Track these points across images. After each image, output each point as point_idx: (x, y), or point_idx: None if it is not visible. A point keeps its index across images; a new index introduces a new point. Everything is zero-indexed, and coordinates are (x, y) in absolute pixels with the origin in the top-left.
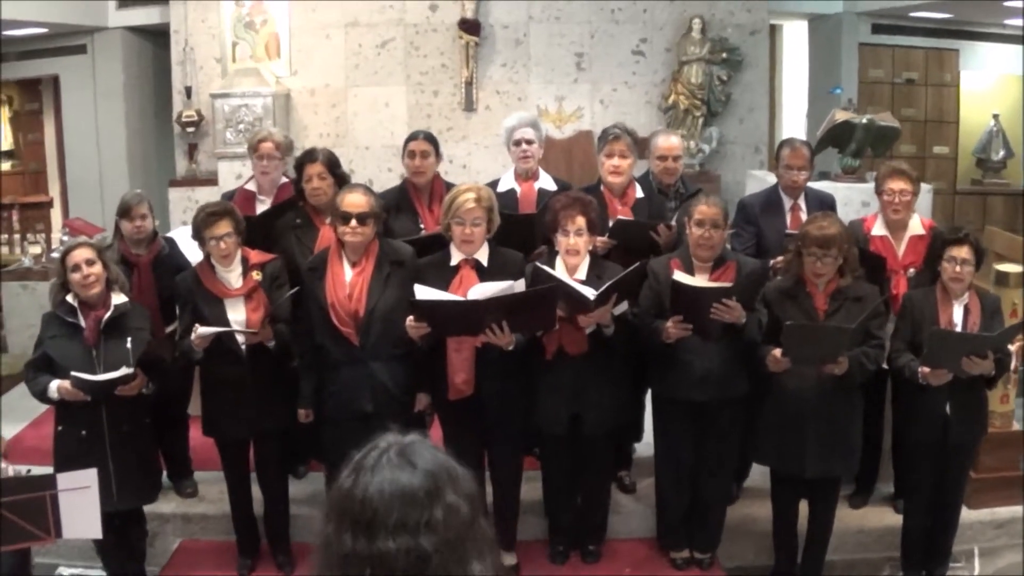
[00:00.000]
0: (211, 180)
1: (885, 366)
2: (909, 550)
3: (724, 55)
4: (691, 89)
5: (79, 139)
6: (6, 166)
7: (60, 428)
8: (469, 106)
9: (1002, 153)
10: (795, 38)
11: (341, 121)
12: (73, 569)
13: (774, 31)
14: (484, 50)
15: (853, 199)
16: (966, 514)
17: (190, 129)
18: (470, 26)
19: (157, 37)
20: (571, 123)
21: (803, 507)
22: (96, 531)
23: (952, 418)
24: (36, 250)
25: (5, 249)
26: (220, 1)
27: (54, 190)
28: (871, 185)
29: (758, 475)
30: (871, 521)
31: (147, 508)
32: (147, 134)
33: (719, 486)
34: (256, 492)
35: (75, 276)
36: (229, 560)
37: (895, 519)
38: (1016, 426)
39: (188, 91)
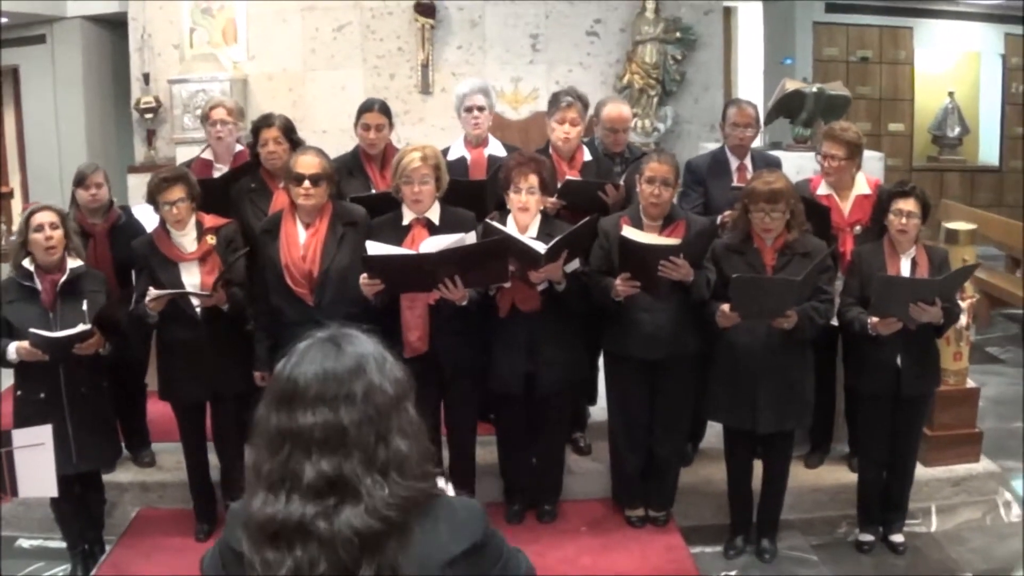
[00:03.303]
0: (170, 166)
1: (835, 323)
2: (865, 506)
3: (678, 35)
4: (646, 69)
5: (39, 129)
6: None
7: (19, 393)
8: (425, 89)
9: (957, 130)
10: (749, 18)
11: (299, 105)
12: (33, 540)
13: (728, 12)
14: (440, 32)
15: (805, 168)
16: (923, 472)
17: (148, 116)
18: (425, 9)
19: (115, 26)
20: (527, 104)
21: (758, 467)
22: (52, 489)
23: (904, 370)
24: None
25: None
26: None
27: (15, 181)
28: None
29: (713, 437)
30: (826, 480)
31: (105, 477)
32: (106, 122)
33: (673, 444)
34: (213, 459)
35: (37, 236)
36: (187, 527)
37: (850, 477)
38: (970, 383)
39: (146, 78)
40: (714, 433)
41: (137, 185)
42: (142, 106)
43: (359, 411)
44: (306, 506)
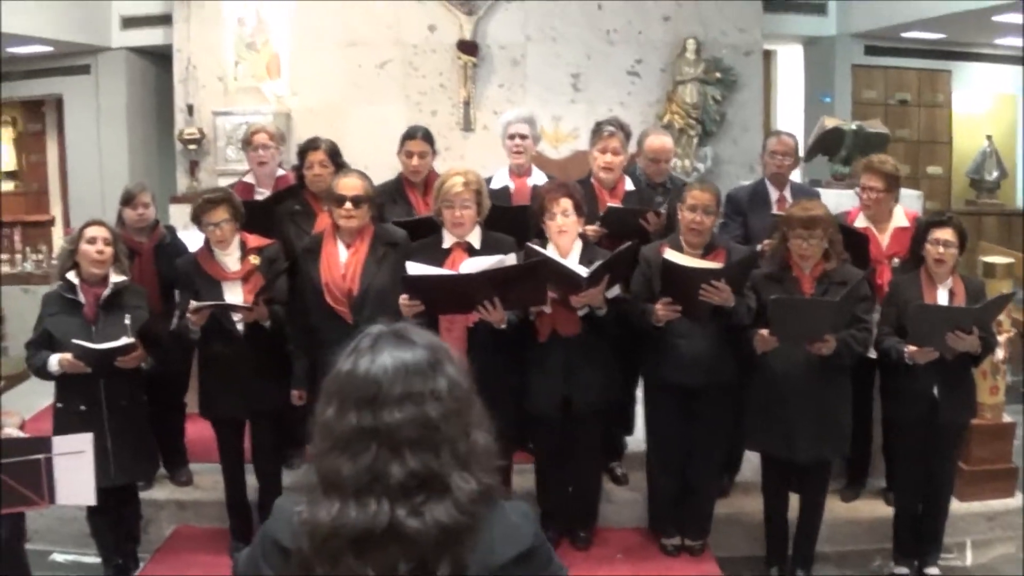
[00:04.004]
0: (214, 187)
1: (872, 355)
2: (900, 538)
3: (718, 75)
4: (686, 109)
5: (82, 158)
6: (8, 186)
7: (59, 405)
8: (467, 126)
9: (996, 174)
10: (789, 61)
11: (341, 140)
12: (67, 555)
13: (768, 55)
14: (482, 70)
15: (844, 204)
16: (958, 506)
17: (192, 147)
18: (468, 47)
19: (159, 58)
20: (567, 143)
21: (794, 499)
22: (90, 498)
23: (940, 399)
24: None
25: (7, 267)
26: (223, 21)
27: (56, 210)
28: None
29: (749, 470)
30: (862, 513)
31: (142, 494)
32: (149, 153)
33: (709, 472)
34: (251, 480)
35: (89, 248)
36: (222, 545)
37: (886, 511)
38: (1007, 418)
39: (190, 109)
40: (750, 466)
41: (180, 215)
42: (185, 137)
43: (444, 405)
44: (395, 507)
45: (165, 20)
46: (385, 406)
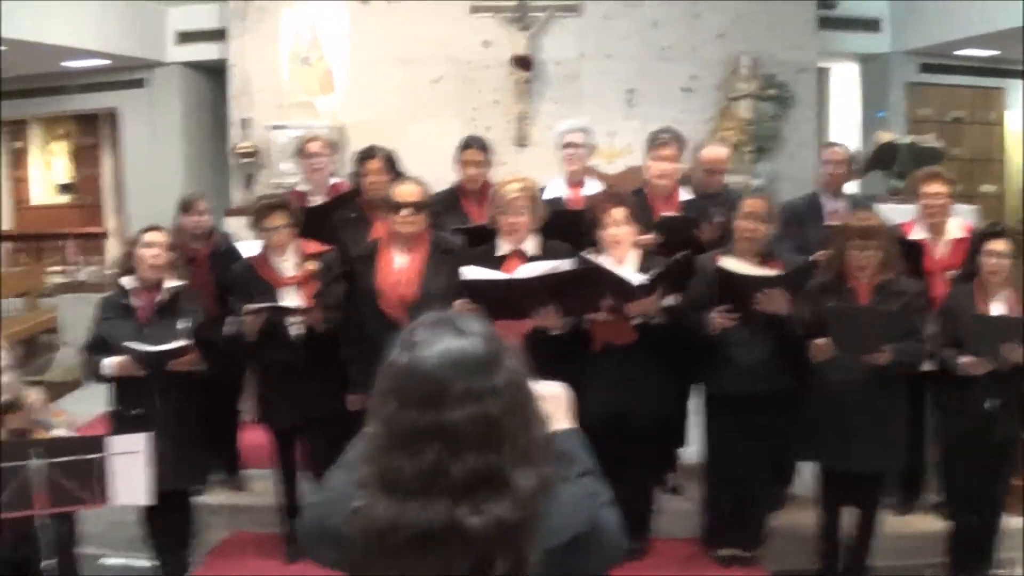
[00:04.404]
0: (271, 193)
1: (927, 368)
2: (955, 554)
3: (773, 91)
4: (740, 125)
5: (137, 172)
6: (63, 199)
7: (113, 409)
8: (521, 141)
9: None
10: (844, 79)
11: None
12: (118, 559)
13: (823, 73)
14: (536, 86)
15: (900, 220)
16: (1009, 521)
17: (246, 160)
18: (523, 62)
19: (213, 73)
20: (621, 158)
21: (848, 514)
22: (144, 498)
23: (995, 413)
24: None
25: (60, 278)
26: (278, 37)
27: (110, 223)
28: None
29: (802, 484)
30: (915, 528)
31: (195, 500)
32: (204, 166)
33: (765, 483)
34: (305, 485)
35: (146, 252)
36: (275, 550)
37: (938, 526)
38: None
39: (245, 123)
40: (804, 480)
41: (235, 228)
42: (240, 151)
43: (504, 401)
44: (456, 506)
45: (219, 35)
46: (446, 405)
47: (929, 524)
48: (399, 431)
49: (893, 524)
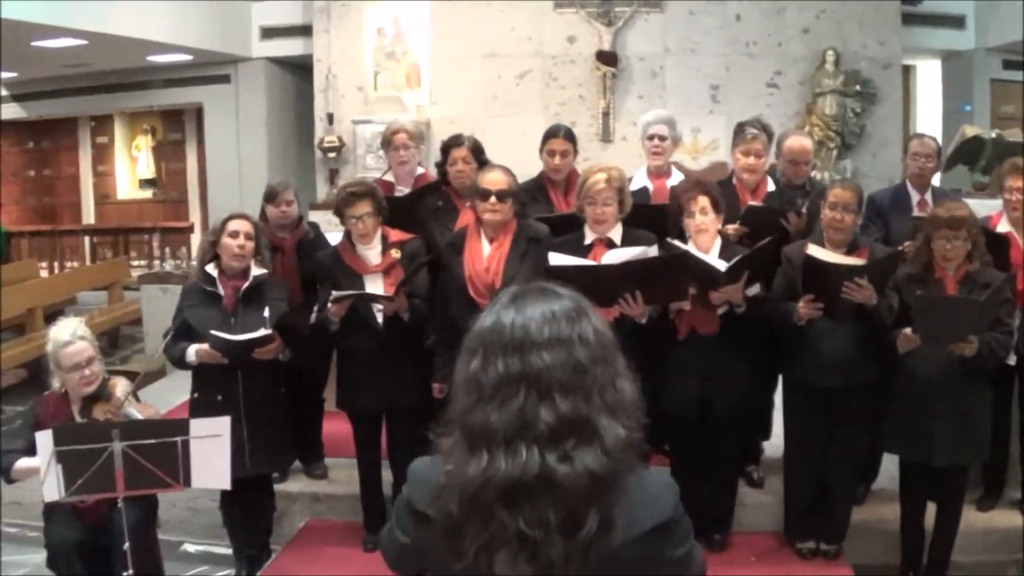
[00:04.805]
0: (357, 180)
1: (1012, 361)
2: None
3: (858, 87)
4: (825, 121)
5: (221, 167)
6: (147, 194)
7: (196, 395)
8: (606, 137)
9: None
10: (928, 76)
11: None
12: (199, 545)
13: (907, 71)
14: (621, 82)
15: (984, 215)
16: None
17: (331, 155)
18: (607, 58)
19: (298, 68)
20: (706, 155)
21: (930, 509)
22: (225, 482)
23: None
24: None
25: (145, 270)
26: (363, 32)
27: (195, 217)
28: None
29: (885, 479)
30: (998, 523)
31: (276, 487)
32: (288, 161)
33: (847, 475)
34: (386, 475)
35: (230, 242)
36: (355, 538)
37: (1022, 523)
38: None
39: (330, 118)
40: (887, 475)
41: (320, 222)
42: (325, 145)
43: (592, 350)
44: (546, 454)
45: (304, 31)
46: (533, 350)
47: (1014, 520)
48: (485, 383)
49: (976, 519)
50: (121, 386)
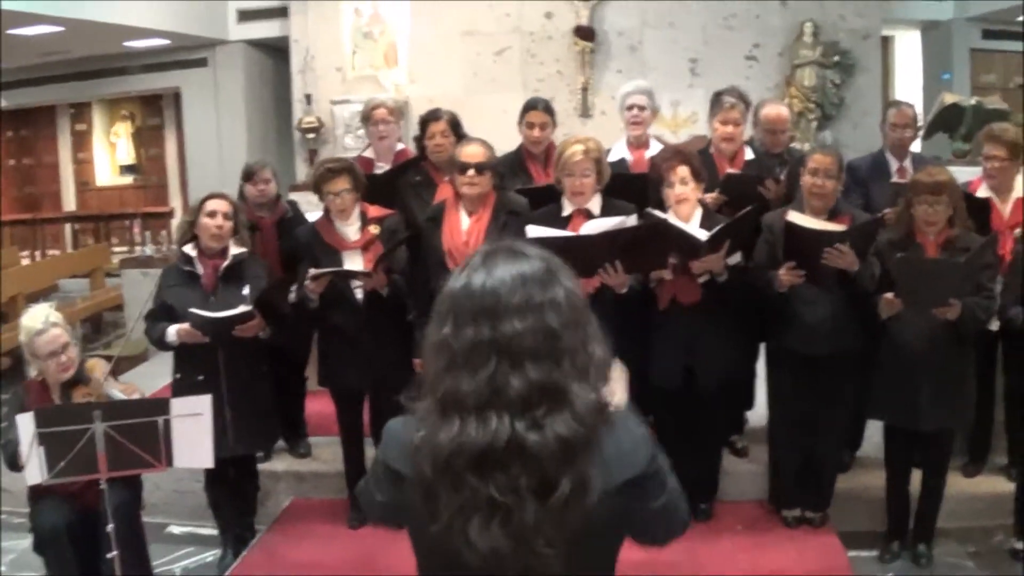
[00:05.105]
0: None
1: (995, 327)
2: (1022, 514)
3: (837, 58)
4: (804, 92)
5: (201, 151)
6: (128, 180)
7: (178, 376)
8: (585, 112)
9: None
10: (907, 47)
11: None
12: (184, 527)
13: (886, 42)
14: (599, 56)
15: (964, 181)
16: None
17: (310, 135)
18: (585, 33)
19: (275, 51)
20: (686, 128)
21: (916, 475)
22: (208, 461)
23: None
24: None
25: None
26: (340, 12)
27: (175, 202)
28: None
29: (870, 446)
30: (984, 489)
31: (260, 466)
32: (267, 143)
33: (833, 443)
34: (370, 452)
35: (208, 221)
36: (340, 516)
37: (1008, 487)
38: None
39: (308, 99)
40: (871, 443)
41: (300, 203)
42: (304, 126)
43: (563, 314)
44: (516, 421)
45: (281, 13)
46: (504, 317)
47: (999, 485)
48: (456, 349)
49: (961, 485)
50: (100, 367)
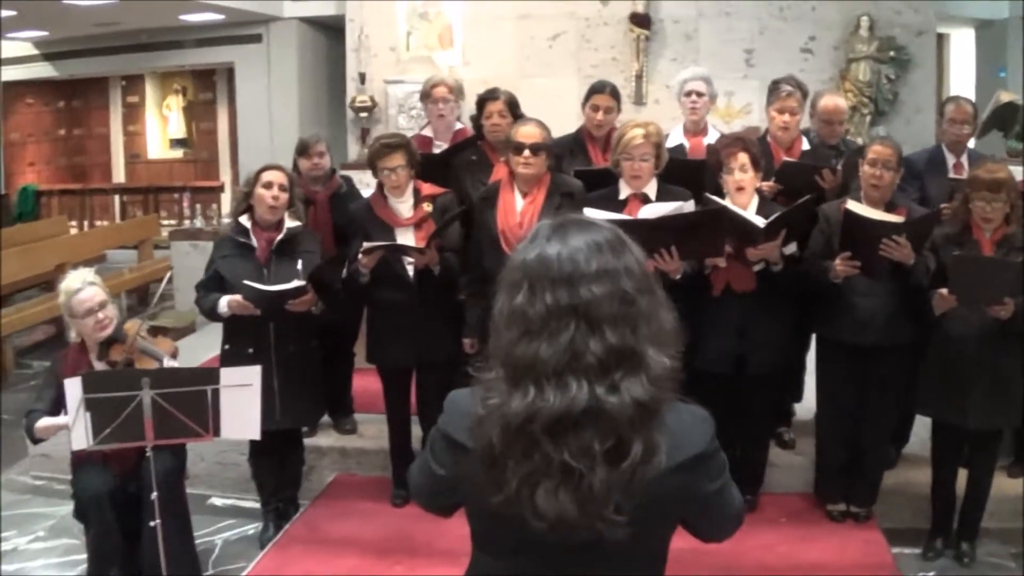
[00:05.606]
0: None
1: None
2: None
3: (892, 54)
4: (859, 87)
5: (252, 127)
6: (178, 153)
7: (227, 347)
8: (639, 99)
9: None
10: (962, 45)
11: None
12: (226, 499)
13: (941, 39)
14: (654, 44)
15: (1020, 180)
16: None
17: (363, 115)
18: (641, 20)
19: (330, 28)
20: (739, 119)
21: (961, 475)
22: (255, 432)
23: None
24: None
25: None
26: None
27: (226, 176)
28: None
29: (917, 443)
30: None
31: (305, 441)
32: (319, 121)
33: (881, 438)
34: (416, 430)
35: (265, 192)
36: (383, 493)
37: None
38: None
39: (362, 77)
40: (918, 439)
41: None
42: (357, 105)
43: (638, 281)
44: (595, 385)
45: None
46: (582, 283)
47: None
48: (532, 318)
49: (1006, 486)
50: (136, 326)
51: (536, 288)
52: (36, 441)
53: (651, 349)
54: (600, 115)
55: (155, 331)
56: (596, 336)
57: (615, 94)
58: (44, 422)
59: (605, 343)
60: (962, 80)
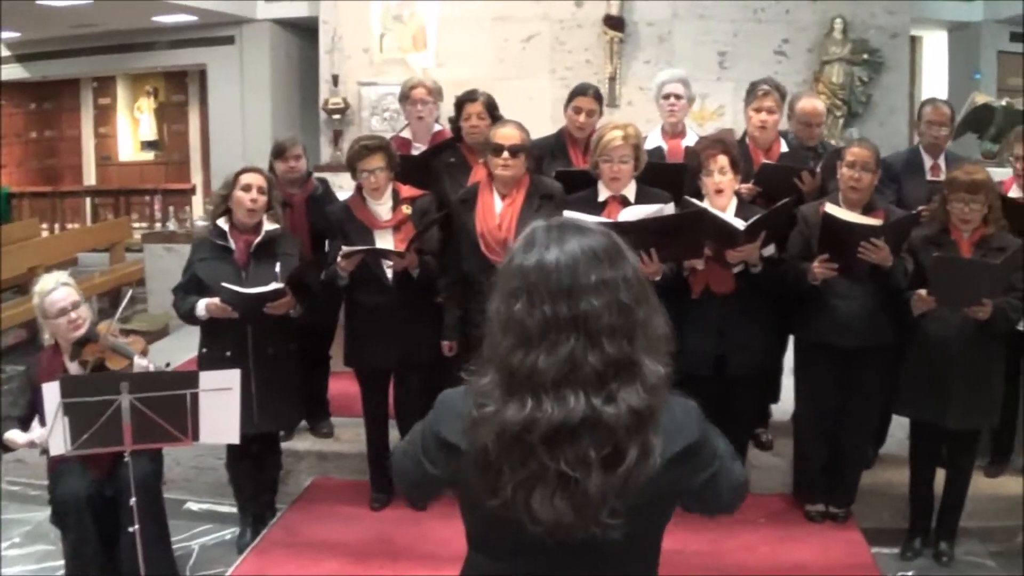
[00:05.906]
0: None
1: (1022, 327)
2: None
3: (865, 56)
4: (832, 89)
5: (225, 129)
6: (150, 156)
7: (204, 350)
8: (612, 102)
9: None
10: (935, 48)
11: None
12: (202, 504)
13: (914, 42)
14: (628, 46)
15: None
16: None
17: (336, 116)
18: (615, 22)
19: (303, 30)
20: (713, 121)
21: (940, 474)
22: (234, 436)
23: None
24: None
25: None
26: None
27: (197, 178)
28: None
29: (894, 443)
30: (1007, 489)
31: (282, 445)
32: (292, 123)
33: (860, 438)
34: (393, 434)
35: (244, 195)
36: (361, 497)
37: None
38: None
39: (335, 79)
40: (895, 439)
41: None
42: (330, 107)
43: (635, 290)
44: (592, 396)
45: None
46: (582, 295)
47: (1019, 486)
48: (531, 327)
49: (986, 485)
50: (105, 325)
51: (535, 298)
52: (7, 450)
53: (647, 358)
54: (582, 117)
55: (127, 333)
56: (594, 348)
57: (598, 97)
58: (14, 435)
59: (603, 355)
60: (935, 82)
